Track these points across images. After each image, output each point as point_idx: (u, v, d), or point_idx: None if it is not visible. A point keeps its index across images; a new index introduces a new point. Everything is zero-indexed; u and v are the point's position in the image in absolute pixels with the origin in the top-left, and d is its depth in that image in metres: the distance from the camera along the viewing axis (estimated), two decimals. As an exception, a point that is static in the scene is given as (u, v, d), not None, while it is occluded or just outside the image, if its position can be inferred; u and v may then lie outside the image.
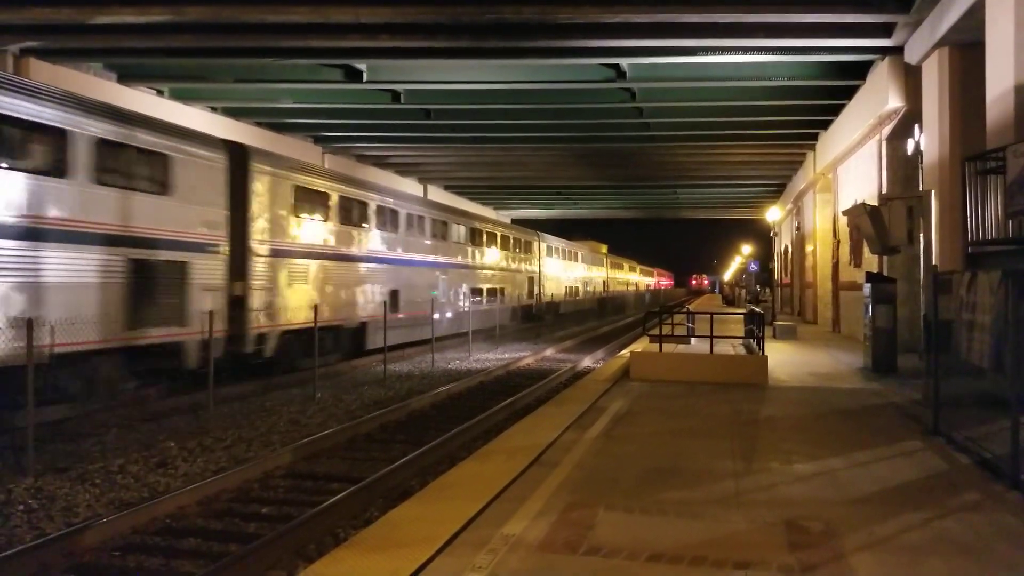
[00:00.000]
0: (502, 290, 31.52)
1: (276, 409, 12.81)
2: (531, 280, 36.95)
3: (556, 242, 43.93)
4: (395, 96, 20.02)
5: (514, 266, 33.94)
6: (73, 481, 8.30)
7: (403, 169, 32.87)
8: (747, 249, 60.97)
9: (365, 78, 18.07)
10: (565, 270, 45.74)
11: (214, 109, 21.59)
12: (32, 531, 6.76)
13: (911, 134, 14.77)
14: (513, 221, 47.10)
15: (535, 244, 38.32)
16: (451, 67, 17.84)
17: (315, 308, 14.81)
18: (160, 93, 19.75)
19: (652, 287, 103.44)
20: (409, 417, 12.38)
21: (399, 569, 4.32)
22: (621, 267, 75.43)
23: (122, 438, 10.54)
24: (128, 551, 6.30)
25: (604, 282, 61.77)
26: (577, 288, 49.04)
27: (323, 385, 14.98)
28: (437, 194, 36.38)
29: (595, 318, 45.88)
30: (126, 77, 18.51)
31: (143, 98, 18.83)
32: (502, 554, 4.55)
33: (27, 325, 8.90)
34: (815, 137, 24.55)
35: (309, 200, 17.06)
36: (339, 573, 4.31)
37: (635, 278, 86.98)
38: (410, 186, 33.38)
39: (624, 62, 17.12)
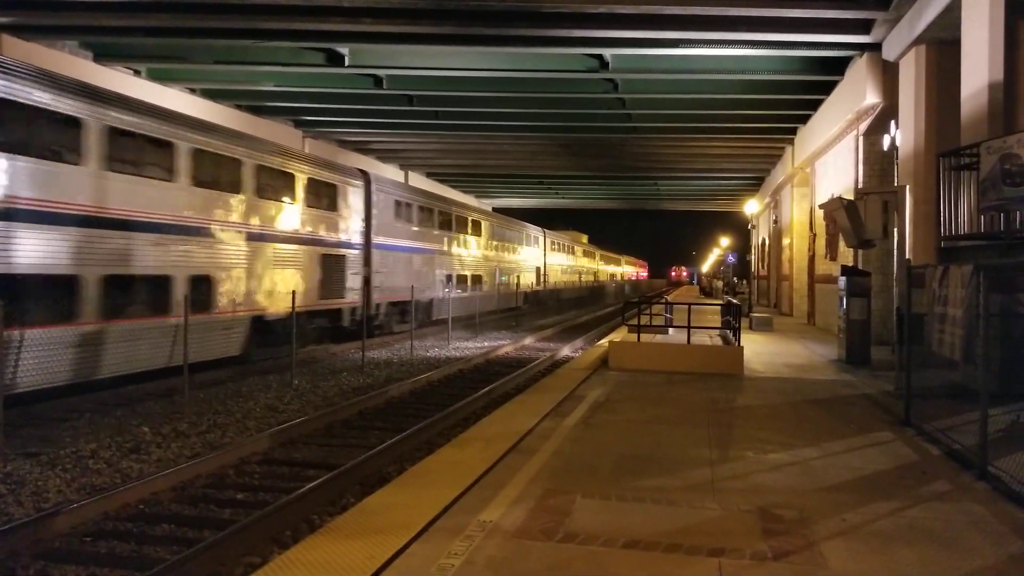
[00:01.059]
0: (226, 279, 14.59)
1: (252, 395, 12.72)
2: (339, 262, 19.19)
3: (424, 199, 25.63)
4: (377, 81, 19.85)
5: (292, 230, 16.96)
6: (44, 466, 8.18)
7: (384, 155, 32.64)
8: (725, 241, 61.45)
9: (347, 62, 17.90)
10: (452, 250, 27.77)
11: (193, 91, 21.25)
12: (0, 516, 6.65)
13: (887, 130, 14.95)
14: (495, 209, 45.95)
15: (356, 194, 20.11)
16: (434, 53, 17.72)
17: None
18: (137, 73, 19.41)
19: (620, 279, 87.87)
20: (387, 404, 12.34)
21: (375, 555, 4.31)
22: (571, 251, 55.57)
23: (94, 423, 10.40)
24: (99, 537, 6.23)
25: (540, 271, 43.43)
26: (480, 278, 31.09)
27: (301, 372, 14.90)
28: (419, 181, 36.16)
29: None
30: (102, 56, 18.16)
31: (120, 78, 18.49)
32: (479, 541, 4.56)
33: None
34: (794, 131, 24.75)
35: None
36: (314, 559, 4.30)
37: (595, 267, 68.35)
38: (391, 172, 33.15)
39: (607, 52, 17.12)
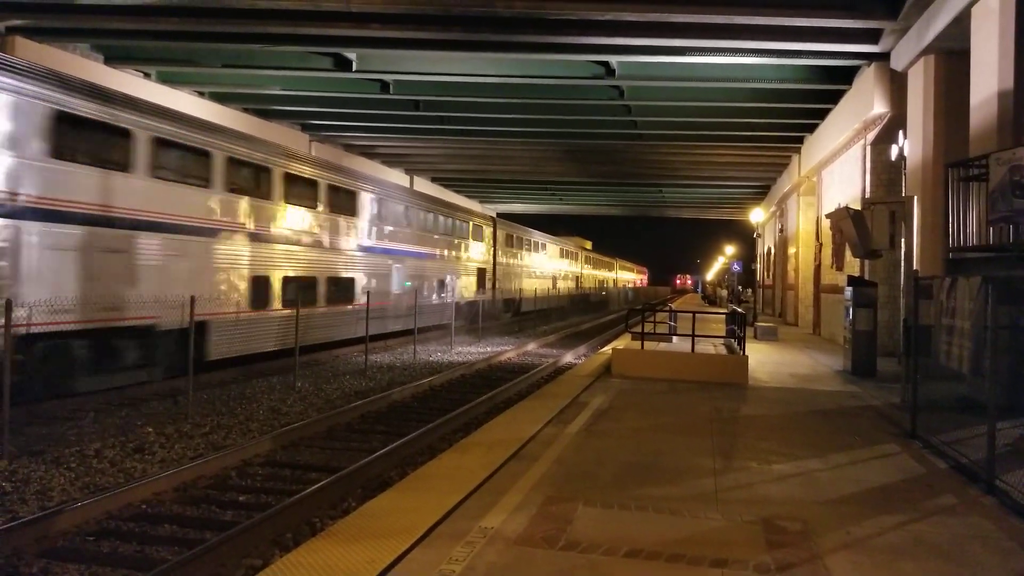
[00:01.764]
0: None
1: (256, 397, 12.72)
2: None
3: (179, 128, 13.39)
4: (384, 86, 19.91)
5: None
6: (48, 464, 8.20)
7: (390, 160, 32.71)
8: (730, 250, 61.31)
9: (355, 67, 17.96)
10: (274, 231, 16.26)
11: (201, 94, 21.35)
12: (5, 514, 6.66)
13: (895, 139, 14.89)
14: (499, 215, 45.72)
15: None
16: (441, 59, 17.77)
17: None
18: (147, 76, 19.50)
19: (614, 286, 78.13)
20: (390, 408, 12.33)
21: (376, 560, 4.30)
22: (538, 249, 42.26)
23: (99, 422, 10.41)
24: (102, 536, 6.23)
25: (486, 274, 31.32)
26: (351, 284, 19.59)
27: (304, 374, 14.90)
28: (424, 185, 36.24)
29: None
30: (113, 59, 18.26)
31: (130, 80, 18.57)
32: (480, 547, 4.54)
33: (6, 305, 8.75)
34: (800, 140, 24.72)
35: None
36: (316, 563, 4.28)
37: (577, 270, 55.82)
38: (397, 176, 33.21)
39: (613, 59, 17.14)
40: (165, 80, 19.86)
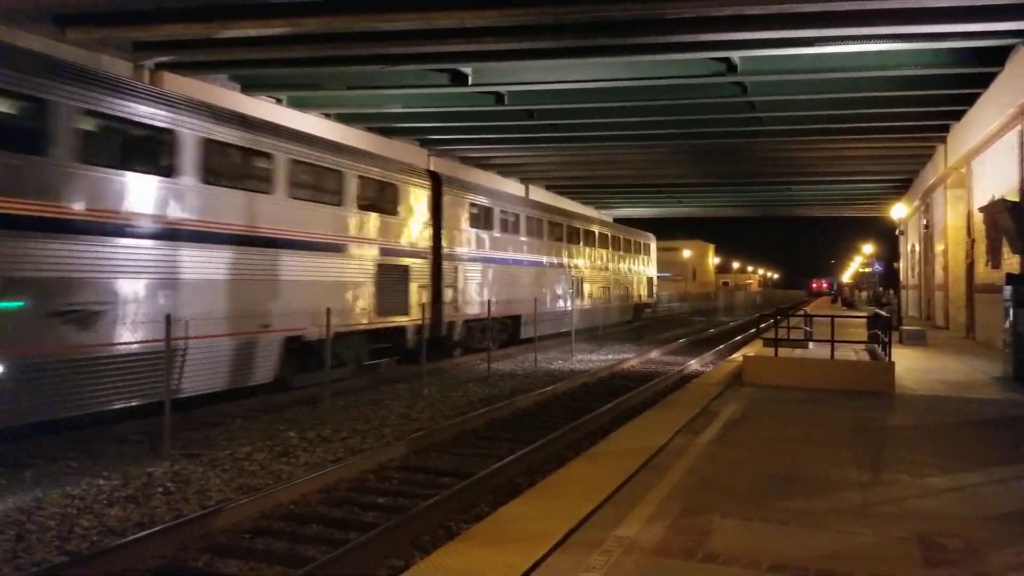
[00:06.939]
0: None
1: (386, 403, 13.23)
2: None
3: None
4: (499, 98, 20.24)
5: None
6: (205, 466, 8.87)
7: (505, 170, 33.19)
8: (868, 248, 57.69)
9: (470, 81, 18.37)
10: None
11: (328, 115, 22.53)
12: (171, 512, 7.27)
13: (1058, 122, 13.55)
14: (616, 220, 45.18)
15: None
16: (554, 67, 17.85)
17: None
18: (279, 101, 20.80)
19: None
20: (514, 415, 12.47)
21: (514, 564, 4.34)
22: (525, 231, 23.72)
23: (246, 428, 11.17)
24: (257, 534, 6.66)
25: (408, 270, 16.56)
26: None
27: (430, 382, 15.35)
28: (539, 194, 36.47)
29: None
30: (248, 87, 19.61)
31: (265, 106, 19.90)
32: (616, 556, 4.50)
33: (166, 321, 9.59)
34: (946, 129, 22.94)
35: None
36: (455, 565, 4.39)
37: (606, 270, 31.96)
38: (512, 186, 33.63)
39: (735, 55, 16.57)
40: (295, 104, 21.09)
